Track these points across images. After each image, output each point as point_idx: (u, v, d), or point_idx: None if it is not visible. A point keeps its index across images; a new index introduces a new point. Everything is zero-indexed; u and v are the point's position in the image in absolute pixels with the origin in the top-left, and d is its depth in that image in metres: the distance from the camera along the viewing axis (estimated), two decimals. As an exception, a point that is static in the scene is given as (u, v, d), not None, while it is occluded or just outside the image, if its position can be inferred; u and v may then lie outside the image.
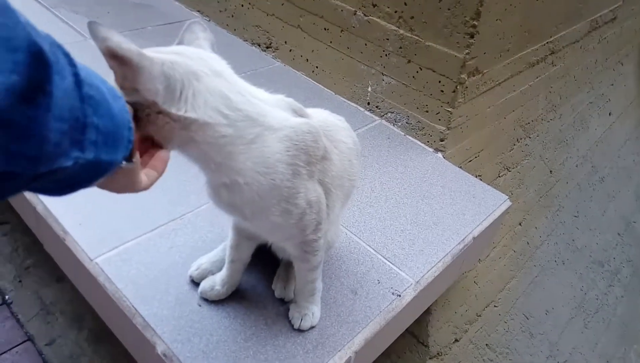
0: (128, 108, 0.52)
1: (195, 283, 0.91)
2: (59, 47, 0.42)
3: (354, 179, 0.86)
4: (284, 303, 0.92)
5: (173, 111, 0.58)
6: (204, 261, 0.92)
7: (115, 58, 0.52)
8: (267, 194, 0.67)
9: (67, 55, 0.42)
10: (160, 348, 0.81)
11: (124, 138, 0.49)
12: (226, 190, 0.67)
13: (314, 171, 0.71)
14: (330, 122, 0.82)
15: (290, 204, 0.69)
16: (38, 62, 0.37)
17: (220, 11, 1.88)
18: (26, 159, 0.39)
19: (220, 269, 0.91)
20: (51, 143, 0.40)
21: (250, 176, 0.65)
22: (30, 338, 1.35)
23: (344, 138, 0.82)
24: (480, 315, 1.61)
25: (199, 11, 1.98)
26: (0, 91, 0.34)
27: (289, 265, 0.95)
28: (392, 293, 0.99)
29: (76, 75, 0.42)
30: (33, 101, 0.37)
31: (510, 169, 1.75)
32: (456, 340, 1.51)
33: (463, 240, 1.15)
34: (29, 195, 1.06)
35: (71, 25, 1.74)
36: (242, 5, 1.79)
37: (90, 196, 1.06)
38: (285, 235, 0.75)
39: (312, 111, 0.79)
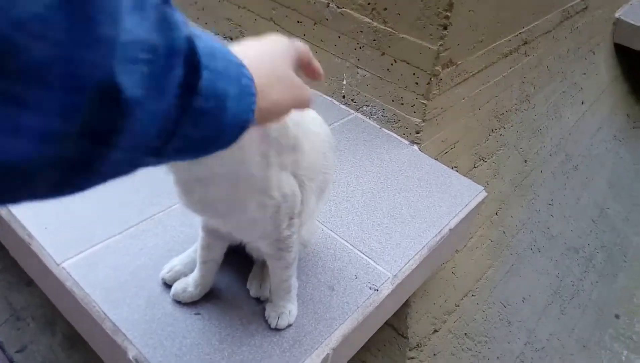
0: None
1: (167, 285, 0.89)
2: (189, 54, 0.34)
3: (328, 173, 0.84)
4: (260, 303, 0.90)
5: None
6: (176, 262, 0.90)
7: None
8: (243, 186, 0.65)
9: (194, 64, 0.34)
10: (131, 353, 0.79)
11: (225, 140, 0.42)
12: (201, 186, 0.64)
13: (286, 163, 0.70)
14: (300, 112, 0.80)
15: (265, 196, 0.67)
16: (104, 104, 0.29)
17: (190, 5, 1.84)
18: (59, 189, 0.33)
19: (193, 270, 0.89)
20: (103, 172, 0.33)
21: (230, 165, 0.62)
22: (0, 346, 1.31)
23: (315, 128, 0.81)
24: (458, 305, 1.62)
25: (169, 4, 1.93)
26: (33, 137, 0.27)
27: (263, 264, 0.93)
28: (370, 288, 0.98)
29: (190, 88, 0.34)
30: (85, 143, 0.29)
31: (485, 160, 1.76)
32: (435, 331, 1.52)
33: (440, 231, 1.15)
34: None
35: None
36: (213, -2, 1.75)
37: (57, 199, 1.03)
38: (260, 232, 0.73)
39: None
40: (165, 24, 0.32)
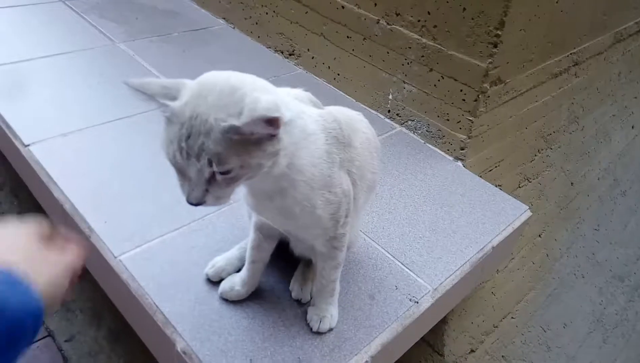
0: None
1: (211, 281, 0.93)
2: None
3: (376, 173, 0.87)
4: (302, 305, 0.93)
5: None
6: (219, 259, 0.94)
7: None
8: (317, 186, 0.70)
9: None
10: (180, 346, 0.83)
11: (29, 329, 0.42)
12: (280, 196, 0.69)
13: (344, 160, 0.74)
14: (348, 114, 0.84)
15: (331, 193, 0.71)
16: None
17: (245, 19, 1.92)
18: None
19: (234, 267, 0.93)
20: None
21: (307, 171, 0.68)
22: (50, 334, 1.38)
23: (363, 128, 0.84)
24: (497, 326, 1.59)
25: (224, 18, 2.02)
26: None
27: (306, 267, 0.96)
28: (410, 300, 0.99)
29: None
30: None
31: (530, 180, 1.73)
32: (472, 351, 1.49)
33: (482, 249, 1.14)
34: (57, 194, 1.09)
35: (100, 30, 1.79)
36: (267, 14, 1.82)
37: (116, 195, 1.10)
38: (320, 230, 0.76)
39: (330, 107, 0.81)
40: None
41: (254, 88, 0.60)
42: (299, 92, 0.77)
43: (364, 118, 0.87)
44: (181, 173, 0.60)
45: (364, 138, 0.82)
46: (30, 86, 1.44)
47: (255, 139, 0.58)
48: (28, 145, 1.21)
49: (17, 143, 1.23)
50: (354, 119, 0.84)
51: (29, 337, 0.42)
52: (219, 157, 0.56)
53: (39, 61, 1.56)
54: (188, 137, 0.56)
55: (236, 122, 0.55)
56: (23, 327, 0.41)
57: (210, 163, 0.57)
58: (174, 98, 0.59)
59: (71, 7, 1.91)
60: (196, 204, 0.60)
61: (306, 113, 0.69)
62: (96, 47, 1.68)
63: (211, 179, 0.59)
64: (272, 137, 0.59)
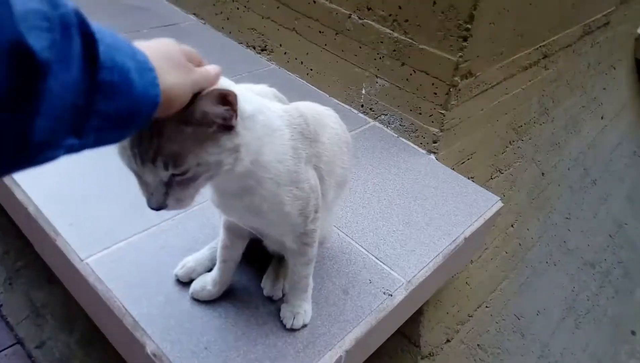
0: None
1: (182, 282, 0.91)
2: (81, 25, 0.36)
3: (346, 168, 0.87)
4: (274, 302, 0.92)
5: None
6: (189, 259, 0.93)
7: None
8: (283, 182, 0.69)
9: (88, 34, 0.37)
10: (150, 348, 0.81)
11: (143, 115, 0.44)
12: (246, 194, 0.68)
13: (310, 155, 0.73)
14: (316, 109, 0.83)
15: (298, 189, 0.71)
16: (22, 65, 0.32)
17: (216, 14, 1.89)
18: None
19: (204, 268, 0.92)
20: (34, 143, 0.36)
21: (273, 167, 0.67)
22: (19, 341, 1.34)
23: (331, 123, 0.84)
24: (471, 316, 1.62)
25: (194, 14, 1.99)
26: None
27: (279, 264, 0.95)
28: (384, 293, 0.99)
29: (92, 59, 0.37)
30: (10, 107, 0.33)
31: (502, 172, 1.76)
32: (448, 341, 1.51)
33: (455, 240, 1.15)
34: (20, 196, 1.06)
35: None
36: (238, 9, 1.79)
37: (82, 197, 1.07)
38: (289, 226, 0.75)
39: (297, 102, 0.80)
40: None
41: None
42: (262, 87, 0.76)
43: (333, 113, 0.87)
44: (139, 177, 0.58)
45: (333, 132, 0.81)
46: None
47: (211, 132, 0.56)
48: (-11, 146, 1.17)
49: (-23, 144, 1.19)
50: (322, 114, 0.83)
51: (142, 122, 0.45)
52: (174, 158, 0.54)
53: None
54: (140, 142, 0.54)
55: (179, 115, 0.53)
56: (141, 111, 0.44)
57: (166, 166, 0.54)
58: None
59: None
60: (158, 209, 0.58)
61: (270, 109, 0.68)
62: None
63: (170, 182, 0.57)
64: (230, 129, 0.57)
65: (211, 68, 0.57)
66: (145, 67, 0.44)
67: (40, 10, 0.33)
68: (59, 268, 1.06)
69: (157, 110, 0.46)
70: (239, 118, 0.58)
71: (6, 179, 1.10)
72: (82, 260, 0.92)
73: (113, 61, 0.39)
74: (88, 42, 0.37)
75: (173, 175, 0.56)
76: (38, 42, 0.33)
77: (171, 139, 0.53)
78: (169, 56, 0.49)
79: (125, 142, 0.54)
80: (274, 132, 0.67)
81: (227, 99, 0.55)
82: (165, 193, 0.57)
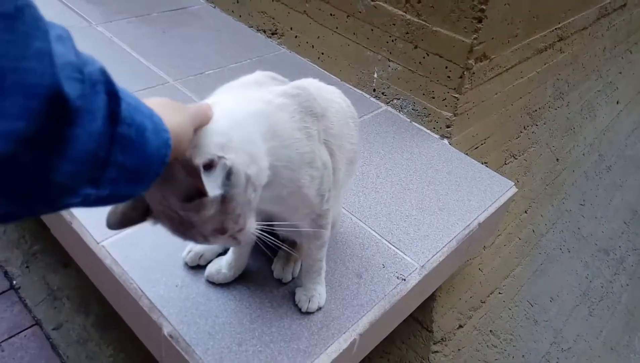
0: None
1: (190, 267, 0.92)
2: (107, 83, 0.40)
3: (355, 144, 0.86)
4: (287, 286, 0.92)
5: None
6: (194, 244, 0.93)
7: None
8: (297, 166, 0.68)
9: (113, 92, 0.40)
10: (166, 330, 0.82)
11: (153, 172, 0.47)
12: (267, 186, 0.67)
13: (320, 131, 0.73)
14: (318, 84, 0.83)
15: (312, 168, 0.70)
16: (57, 110, 0.35)
17: (225, -3, 1.87)
18: (22, 201, 0.37)
19: (213, 253, 0.92)
20: (57, 185, 0.38)
21: (283, 154, 0.67)
22: (37, 323, 1.37)
23: (336, 98, 0.83)
24: (484, 302, 1.61)
25: (203, -3, 1.97)
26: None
27: (290, 247, 0.95)
28: (397, 277, 0.99)
29: (114, 114, 0.41)
30: (42, 147, 0.35)
31: (516, 157, 1.74)
32: (460, 326, 1.51)
33: (468, 225, 1.14)
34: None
35: (76, 11, 1.73)
36: (247, -9, 1.77)
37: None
38: (307, 208, 0.75)
39: (299, 80, 0.79)
40: (82, 56, 0.39)
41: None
42: (257, 75, 0.76)
43: (335, 89, 0.87)
44: None
45: (337, 107, 0.81)
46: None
47: (221, 194, 0.57)
48: (4, 131, 1.18)
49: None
50: (325, 90, 0.83)
51: (151, 178, 0.48)
52: (218, 231, 0.60)
53: (13, 44, 1.51)
54: (185, 234, 0.60)
55: (190, 205, 0.56)
56: (151, 166, 0.47)
57: (215, 236, 0.60)
58: (147, 209, 0.60)
59: (45, -11, 1.84)
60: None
61: (263, 102, 0.67)
62: (72, 30, 1.60)
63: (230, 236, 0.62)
64: (230, 177, 0.58)
65: (202, 103, 0.61)
66: (161, 128, 0.47)
67: (75, 63, 0.37)
68: (75, 251, 1.07)
69: (164, 166, 0.48)
70: (222, 155, 0.57)
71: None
72: (98, 243, 0.93)
73: (132, 119, 0.43)
74: (112, 98, 0.41)
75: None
76: (72, 91, 0.36)
77: (204, 223, 0.58)
78: (165, 103, 0.53)
79: (177, 236, 0.61)
80: (270, 118, 0.66)
81: (210, 166, 0.55)
82: (236, 240, 0.64)
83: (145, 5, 1.84)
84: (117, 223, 0.61)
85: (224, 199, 0.58)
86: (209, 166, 0.55)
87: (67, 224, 0.99)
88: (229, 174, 0.57)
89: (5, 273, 1.47)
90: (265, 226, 0.68)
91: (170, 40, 1.66)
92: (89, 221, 0.97)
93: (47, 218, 1.15)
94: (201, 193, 0.54)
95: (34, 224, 1.55)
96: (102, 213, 0.98)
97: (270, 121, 0.66)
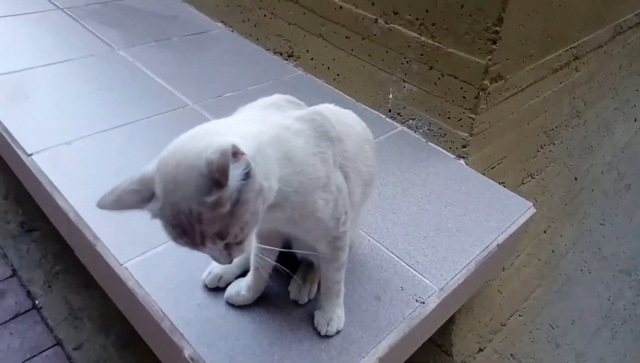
0: None
1: (209, 288, 0.93)
2: None
3: (371, 166, 0.87)
4: (304, 307, 0.93)
5: None
6: (215, 265, 0.94)
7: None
8: (309, 190, 0.69)
9: None
10: (187, 352, 0.83)
11: None
12: (278, 208, 0.68)
13: (335, 155, 0.74)
14: (334, 109, 0.85)
15: (326, 192, 0.71)
16: None
17: (243, 21, 1.92)
18: None
19: (232, 275, 0.93)
20: None
21: (293, 180, 0.67)
22: (59, 343, 1.38)
23: (351, 122, 0.84)
24: (504, 325, 1.59)
25: (222, 22, 2.02)
26: None
27: (307, 269, 0.96)
28: (416, 300, 0.98)
29: None
30: None
31: (534, 176, 1.73)
32: (480, 350, 1.49)
33: (487, 247, 1.14)
34: (61, 202, 1.09)
35: (99, 36, 1.79)
36: (265, 16, 1.82)
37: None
38: (323, 230, 0.76)
39: (317, 106, 0.81)
40: None
41: (208, 146, 0.57)
42: (275, 98, 0.77)
43: (350, 112, 0.88)
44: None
45: (353, 131, 0.83)
46: (31, 95, 1.44)
47: (236, 194, 0.58)
48: (31, 154, 1.21)
49: (20, 153, 1.23)
50: (340, 114, 0.84)
51: None
52: (221, 234, 0.59)
53: (40, 69, 1.57)
54: (184, 232, 0.58)
55: (210, 198, 0.55)
56: None
57: (214, 241, 0.59)
58: (149, 198, 0.60)
59: (70, 15, 1.91)
60: (230, 263, 0.65)
61: (281, 124, 0.69)
62: (96, 54, 1.68)
63: (227, 244, 0.62)
64: (247, 178, 0.58)
65: None
66: None
67: None
68: (98, 272, 1.09)
69: None
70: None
71: (47, 186, 1.14)
72: (121, 264, 0.95)
73: None
74: None
75: (226, 244, 0.61)
76: None
77: (211, 220, 0.57)
78: None
79: (170, 232, 0.60)
80: (283, 147, 0.67)
81: (221, 180, 0.54)
82: (228, 254, 0.63)
83: (166, 31, 1.90)
84: (112, 202, 0.60)
85: (237, 202, 0.58)
86: (236, 154, 0.56)
87: (90, 246, 1.01)
88: (247, 174, 0.58)
89: (28, 293, 1.49)
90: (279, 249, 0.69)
91: (190, 64, 1.71)
92: (113, 243, 0.99)
93: (70, 240, 1.17)
94: (219, 184, 0.54)
95: (57, 244, 1.58)
96: (124, 234, 1.01)
97: (286, 147, 0.67)
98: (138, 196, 0.60)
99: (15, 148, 1.25)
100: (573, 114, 1.90)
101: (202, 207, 0.56)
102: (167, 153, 0.60)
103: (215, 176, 0.53)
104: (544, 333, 1.72)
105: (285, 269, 0.74)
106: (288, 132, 0.69)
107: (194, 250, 0.62)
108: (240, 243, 0.62)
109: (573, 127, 1.93)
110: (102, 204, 0.60)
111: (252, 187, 0.59)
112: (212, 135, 0.61)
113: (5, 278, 1.51)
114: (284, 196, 0.67)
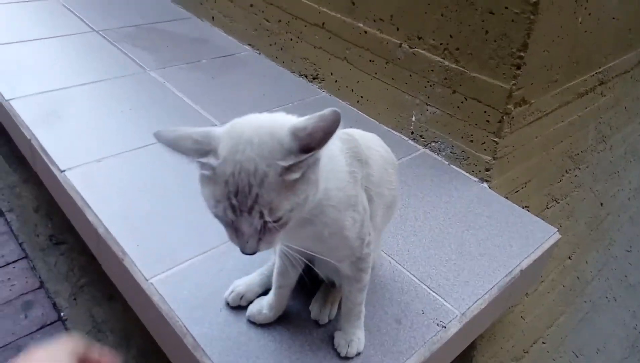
0: None
1: (231, 306, 0.94)
2: None
3: (394, 189, 0.88)
4: (325, 328, 0.93)
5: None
6: (238, 283, 0.96)
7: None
8: (343, 208, 0.71)
9: None
10: (209, 369, 0.84)
11: None
12: (309, 223, 0.69)
13: (363, 177, 0.76)
14: (360, 133, 0.86)
15: (355, 211, 0.73)
16: None
17: (270, 45, 1.97)
18: None
19: (254, 294, 0.95)
20: None
21: (334, 195, 0.69)
22: (82, 354, 1.41)
23: (376, 146, 0.86)
24: (527, 352, 1.55)
25: (250, 45, 2.08)
26: None
27: (328, 289, 0.96)
28: (437, 324, 0.98)
29: None
30: None
31: (559, 201, 1.71)
32: (502, 377, 1.46)
33: (510, 272, 1.13)
34: (91, 217, 1.13)
35: (132, 58, 1.86)
36: (291, 40, 1.86)
37: (148, 219, 1.13)
38: (348, 250, 0.77)
39: (345, 129, 0.82)
40: None
41: (284, 124, 0.60)
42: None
43: (376, 137, 0.90)
44: (231, 226, 0.61)
45: (378, 155, 0.84)
46: (66, 114, 1.50)
47: (303, 171, 0.58)
48: (64, 171, 1.26)
49: (53, 169, 1.28)
50: (366, 138, 0.86)
51: None
52: (271, 206, 0.57)
53: (75, 89, 1.63)
54: (236, 193, 0.57)
55: (284, 162, 0.56)
56: None
57: (261, 215, 0.57)
58: (207, 153, 0.59)
59: (105, 37, 1.99)
60: (252, 254, 0.62)
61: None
62: (128, 75, 1.75)
63: (262, 229, 0.60)
64: (316, 161, 0.60)
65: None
66: None
67: None
68: (123, 286, 1.11)
69: None
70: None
71: (78, 202, 1.18)
72: (147, 280, 0.97)
73: None
74: None
75: (266, 222, 0.59)
76: None
77: (272, 187, 0.56)
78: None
79: (219, 193, 0.58)
80: (333, 159, 0.69)
81: (309, 147, 0.57)
82: (258, 239, 0.60)
83: (196, 53, 1.96)
84: (168, 139, 0.60)
85: (302, 176, 0.58)
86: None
87: (118, 261, 1.04)
88: (317, 159, 0.60)
89: (54, 305, 1.53)
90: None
91: (218, 86, 1.76)
92: (139, 259, 1.02)
93: (98, 254, 1.21)
94: (308, 149, 0.56)
95: (83, 257, 1.62)
96: (151, 251, 1.03)
97: (333, 161, 0.69)
98: (196, 146, 0.59)
99: (49, 164, 1.30)
100: (599, 138, 1.88)
101: (270, 169, 0.56)
102: (243, 120, 0.62)
103: (306, 141, 0.56)
104: (568, 362, 1.68)
105: (308, 282, 0.74)
106: (335, 148, 0.71)
107: (229, 222, 0.60)
108: (275, 230, 0.60)
109: (599, 152, 1.91)
110: (159, 136, 0.59)
111: (315, 170, 0.60)
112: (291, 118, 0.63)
113: (33, 290, 1.55)
114: (320, 209, 0.68)
